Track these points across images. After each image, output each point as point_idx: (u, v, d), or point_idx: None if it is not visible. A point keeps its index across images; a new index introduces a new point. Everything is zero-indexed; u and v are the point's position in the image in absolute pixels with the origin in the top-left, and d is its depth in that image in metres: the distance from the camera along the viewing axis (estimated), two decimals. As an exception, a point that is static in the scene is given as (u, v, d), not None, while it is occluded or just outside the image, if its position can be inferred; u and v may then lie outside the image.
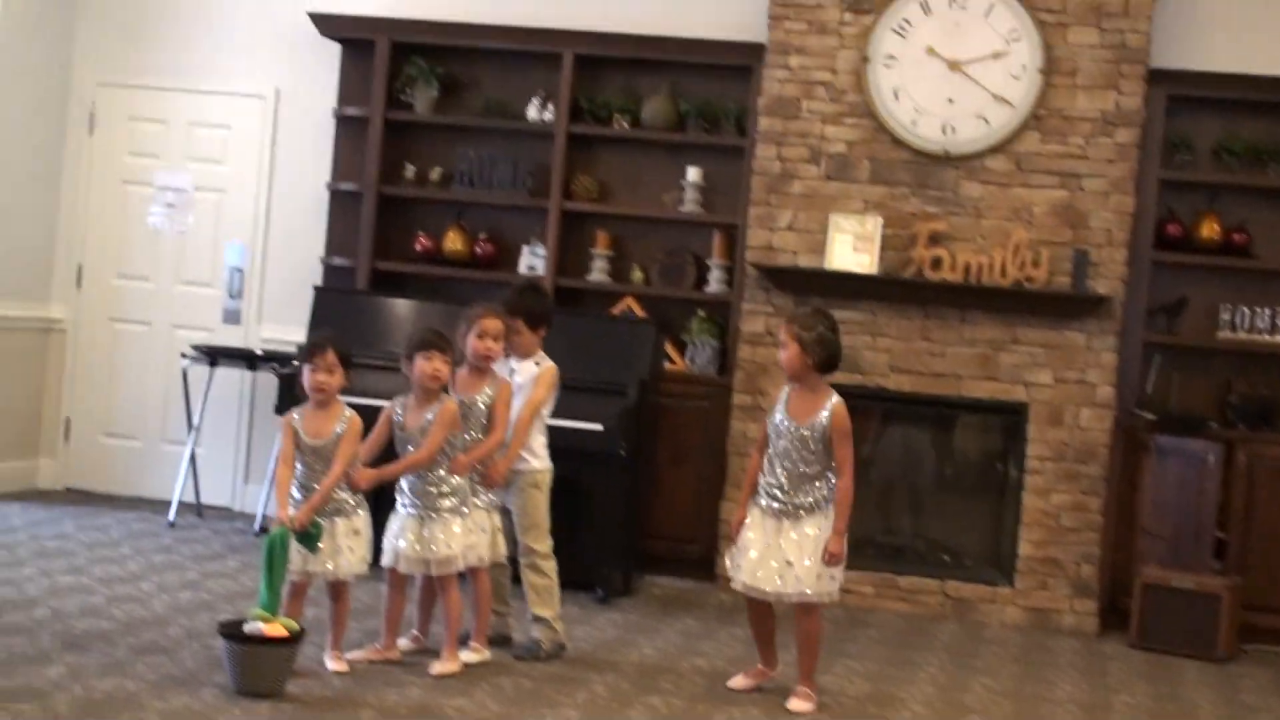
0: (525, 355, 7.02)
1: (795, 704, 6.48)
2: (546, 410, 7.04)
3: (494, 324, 6.75)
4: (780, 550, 6.44)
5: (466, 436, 6.64)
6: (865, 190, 9.00)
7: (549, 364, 7.05)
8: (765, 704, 6.50)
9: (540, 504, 7.02)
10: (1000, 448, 9.12)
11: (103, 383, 10.26)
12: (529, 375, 6.98)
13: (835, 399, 6.47)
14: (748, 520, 6.57)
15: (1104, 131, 8.82)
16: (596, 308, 9.47)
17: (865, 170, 9.01)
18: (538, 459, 7.01)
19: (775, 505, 6.48)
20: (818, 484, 6.46)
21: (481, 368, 6.77)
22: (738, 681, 6.75)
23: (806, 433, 6.44)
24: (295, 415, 6.35)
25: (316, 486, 6.24)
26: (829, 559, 6.41)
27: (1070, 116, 8.85)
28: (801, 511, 6.44)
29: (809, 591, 6.42)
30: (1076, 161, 8.83)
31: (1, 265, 9.79)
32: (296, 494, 6.27)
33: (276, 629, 5.96)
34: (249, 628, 5.96)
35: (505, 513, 6.98)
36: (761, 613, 6.69)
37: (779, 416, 6.51)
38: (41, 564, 7.95)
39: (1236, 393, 8.95)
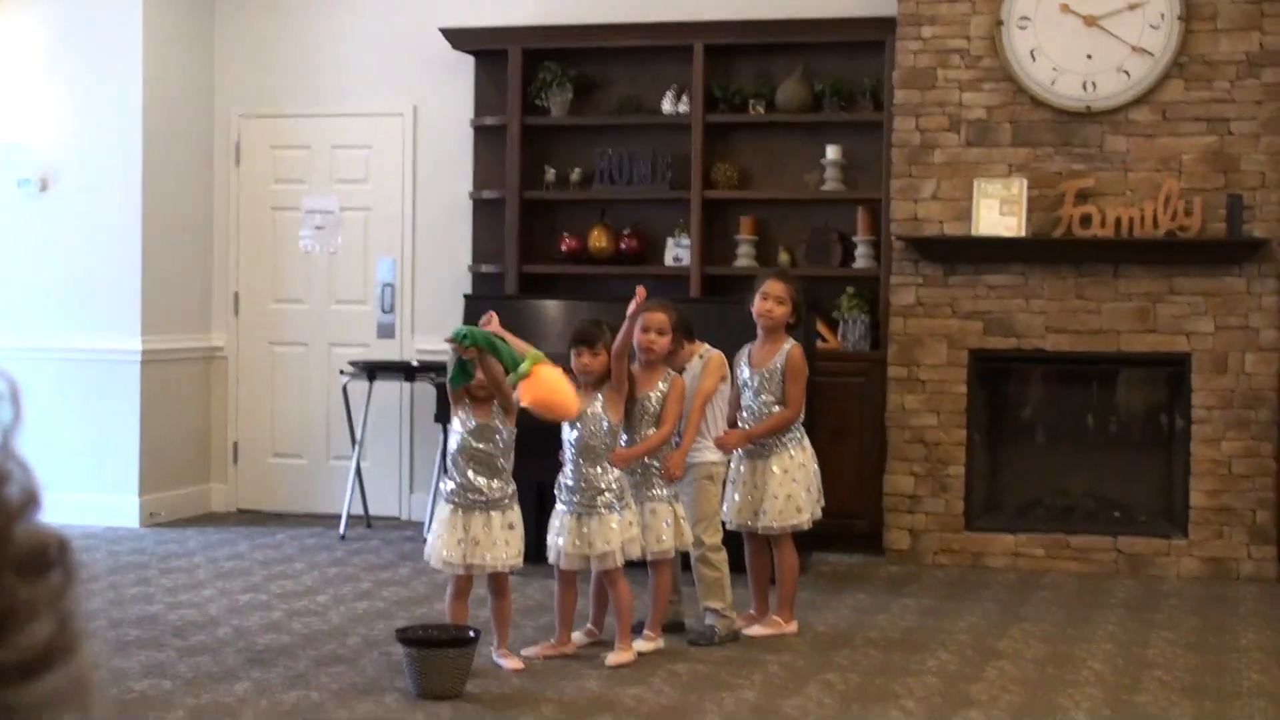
0: (677, 366, 6.93)
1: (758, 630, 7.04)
2: (720, 399, 7.03)
3: (656, 318, 6.70)
4: (761, 488, 7.03)
5: (647, 432, 6.67)
6: (1008, 153, 8.90)
7: (714, 353, 7.02)
8: (944, 675, 6.47)
9: (713, 497, 6.99)
10: (1165, 400, 8.98)
11: (266, 405, 10.45)
12: (695, 368, 6.97)
13: (791, 343, 7.12)
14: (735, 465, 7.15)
15: (1250, 73, 8.63)
16: (744, 293, 9.43)
17: (1007, 133, 8.91)
18: (713, 451, 6.97)
19: (750, 448, 7.09)
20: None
21: (652, 362, 6.74)
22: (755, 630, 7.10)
23: (767, 376, 7.04)
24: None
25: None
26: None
27: (1213, 61, 8.68)
28: (773, 449, 7.05)
29: (790, 523, 7.02)
30: (1223, 106, 8.67)
31: (164, 299, 9.99)
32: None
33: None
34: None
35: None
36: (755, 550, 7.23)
37: (744, 369, 7.11)
38: (220, 584, 8.12)
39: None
